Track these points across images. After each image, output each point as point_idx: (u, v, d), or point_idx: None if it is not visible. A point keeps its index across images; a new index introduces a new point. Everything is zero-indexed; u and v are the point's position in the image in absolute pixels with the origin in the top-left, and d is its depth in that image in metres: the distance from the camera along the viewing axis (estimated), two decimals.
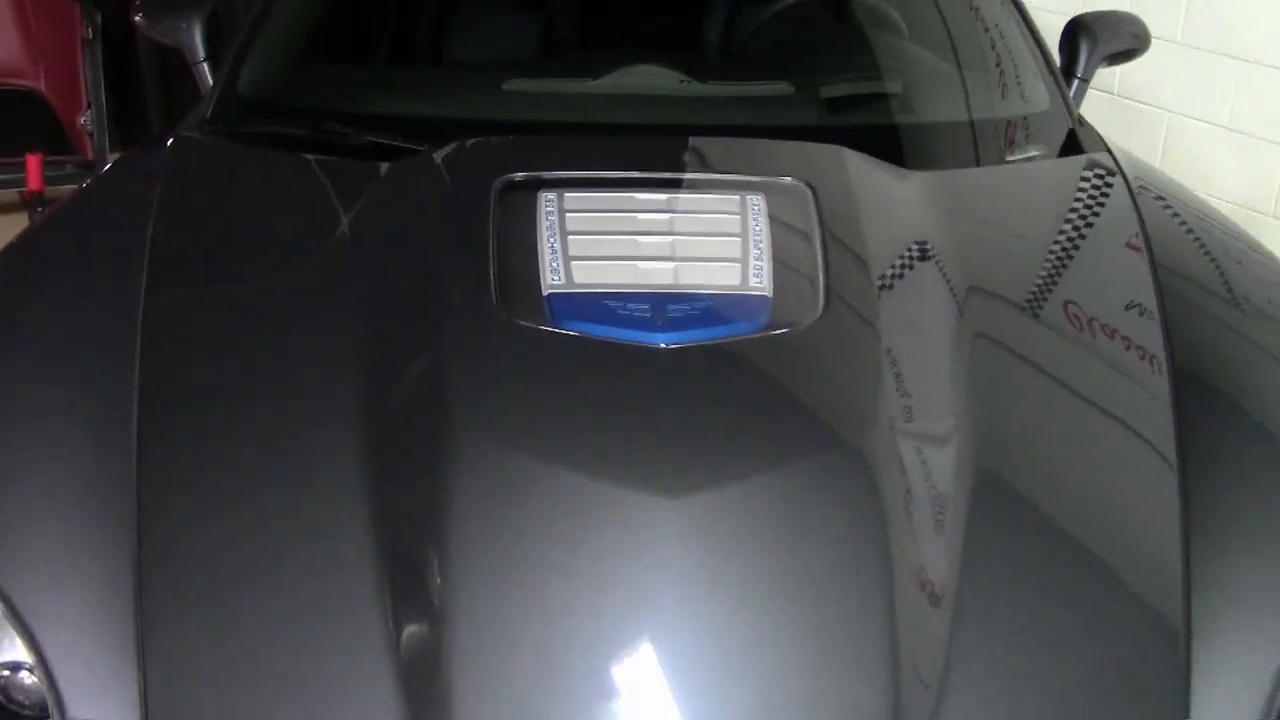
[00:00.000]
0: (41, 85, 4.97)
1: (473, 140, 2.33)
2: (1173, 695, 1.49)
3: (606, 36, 3.06)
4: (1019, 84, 2.93)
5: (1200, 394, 1.87)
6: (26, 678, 1.48)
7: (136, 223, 2.15)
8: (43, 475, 1.68)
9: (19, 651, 1.48)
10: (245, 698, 1.44)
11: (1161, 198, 2.51)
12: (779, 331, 1.90)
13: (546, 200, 2.13)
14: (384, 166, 2.33)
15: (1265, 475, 1.76)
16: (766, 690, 1.44)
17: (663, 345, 1.83)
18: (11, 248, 2.29)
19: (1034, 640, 1.54)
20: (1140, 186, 2.47)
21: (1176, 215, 2.46)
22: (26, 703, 1.48)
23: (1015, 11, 3.09)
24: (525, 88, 2.76)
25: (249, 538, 1.59)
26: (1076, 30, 3.16)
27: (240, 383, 1.84)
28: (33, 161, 4.80)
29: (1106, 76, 5.09)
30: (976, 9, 3.15)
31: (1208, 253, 2.33)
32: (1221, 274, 2.26)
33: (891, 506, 1.61)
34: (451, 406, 1.71)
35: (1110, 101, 5.07)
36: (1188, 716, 1.48)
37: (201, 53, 2.98)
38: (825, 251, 2.03)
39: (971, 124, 2.79)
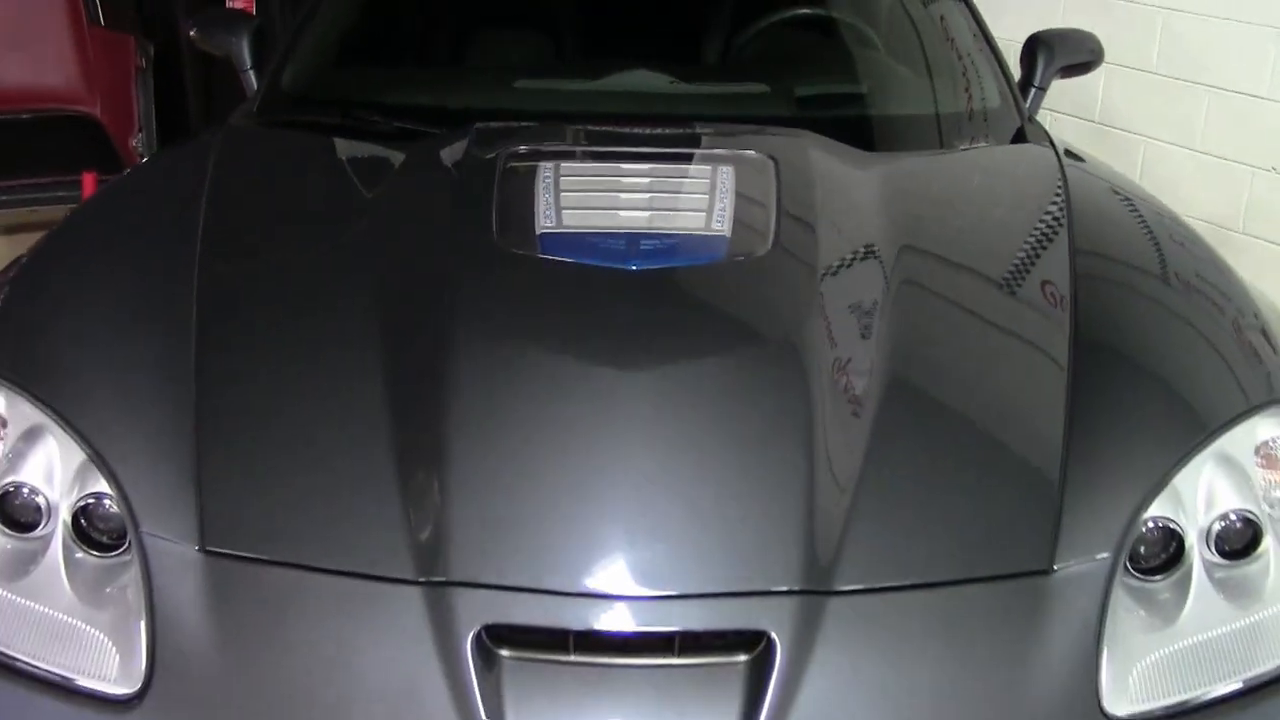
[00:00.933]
0: (98, 111, 5.37)
1: (485, 125, 2.68)
2: (1042, 532, 1.80)
3: (608, 44, 3.43)
4: (973, 87, 3.28)
5: (1100, 336, 2.14)
6: (108, 506, 1.82)
7: (194, 187, 2.50)
8: (120, 350, 2.04)
9: (101, 484, 1.82)
10: (278, 511, 1.78)
11: (1094, 180, 2.83)
12: (731, 260, 2.24)
13: (545, 169, 2.49)
14: (408, 146, 2.69)
15: (1142, 384, 2.06)
16: (701, 501, 1.78)
17: (633, 269, 2.17)
18: (84, 208, 2.67)
19: (930, 487, 1.85)
20: (1076, 171, 2.78)
21: (1104, 194, 2.77)
22: (106, 528, 1.82)
23: (975, 25, 3.45)
24: (534, 85, 3.14)
25: (284, 396, 1.94)
26: (1035, 44, 3.49)
27: (281, 291, 2.21)
28: (88, 179, 5.19)
29: (1088, 104, 5.45)
30: (943, 26, 3.50)
31: (1129, 226, 2.63)
32: (1139, 244, 2.55)
33: (816, 378, 1.94)
34: (454, 306, 2.06)
35: (1092, 129, 5.41)
36: (1055, 547, 1.78)
37: (249, 61, 3.36)
38: (779, 208, 2.37)
39: (927, 118, 3.14)
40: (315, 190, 2.66)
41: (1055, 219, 2.48)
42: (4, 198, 5.24)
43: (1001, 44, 3.48)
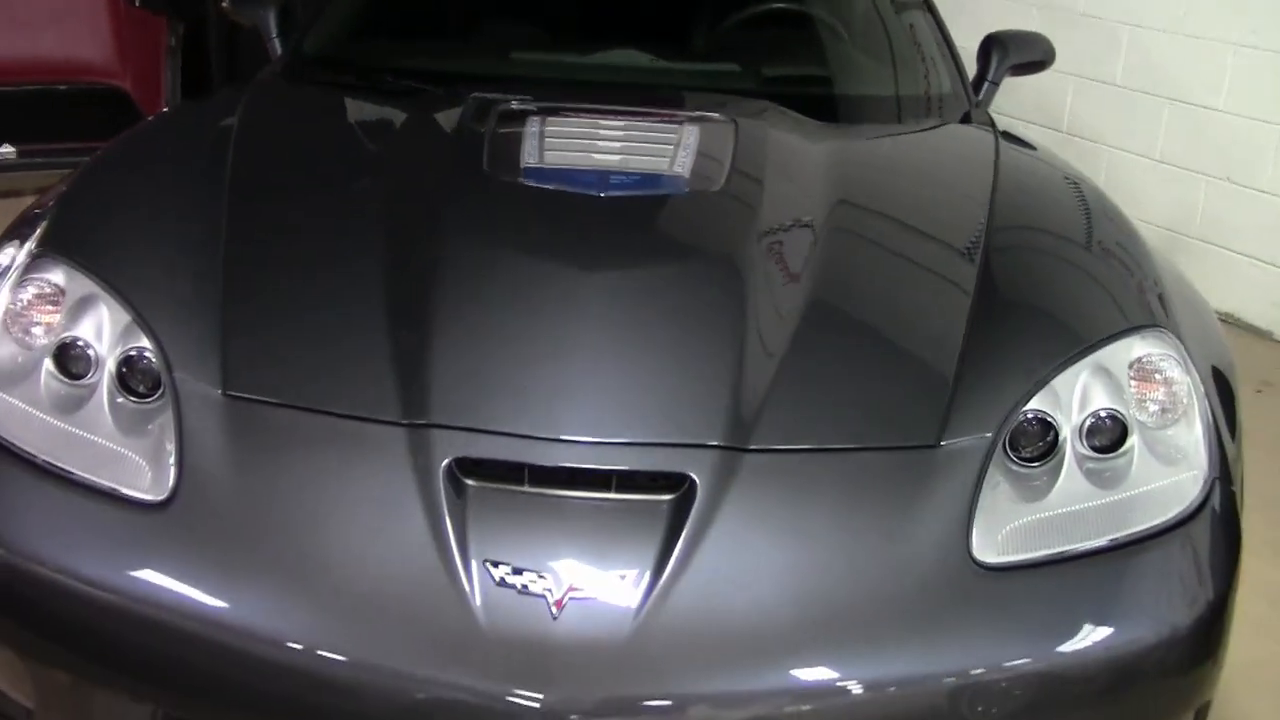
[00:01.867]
0: (128, 84, 5.74)
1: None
2: (934, 414, 2.13)
3: (600, 27, 3.78)
4: (929, 75, 3.64)
5: (1005, 275, 2.45)
6: (147, 359, 2.14)
7: (226, 122, 2.86)
8: (161, 238, 2.40)
9: (142, 340, 2.16)
10: (288, 364, 2.14)
11: (1024, 157, 3.16)
12: (685, 194, 2.60)
13: (533, 120, 2.84)
14: (414, 101, 3.06)
15: (1035, 310, 2.39)
16: (643, 367, 2.14)
17: (601, 195, 2.53)
18: (129, 134, 3.03)
19: (842, 371, 2.20)
20: (1010, 149, 3.12)
21: (1030, 167, 3.11)
22: (143, 379, 2.15)
23: (934, 22, 3.82)
24: (529, 57, 3.50)
25: (296, 276, 2.31)
26: (991, 44, 3.84)
27: (298, 200, 2.59)
28: None
29: (1055, 115, 5.80)
30: (905, 24, 3.86)
31: (1048, 194, 2.94)
32: (1055, 209, 2.84)
33: (751, 282, 2.30)
34: (446, 214, 2.43)
35: (1060, 138, 5.75)
36: (943, 427, 2.12)
37: (274, 30, 3.71)
38: (733, 161, 2.72)
39: (881, 99, 3.50)
40: (331, 130, 3.03)
41: (981, 184, 2.80)
42: (38, 160, 5.59)
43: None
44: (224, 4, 3.94)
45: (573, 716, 1.80)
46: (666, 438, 2.04)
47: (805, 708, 1.86)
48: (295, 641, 1.87)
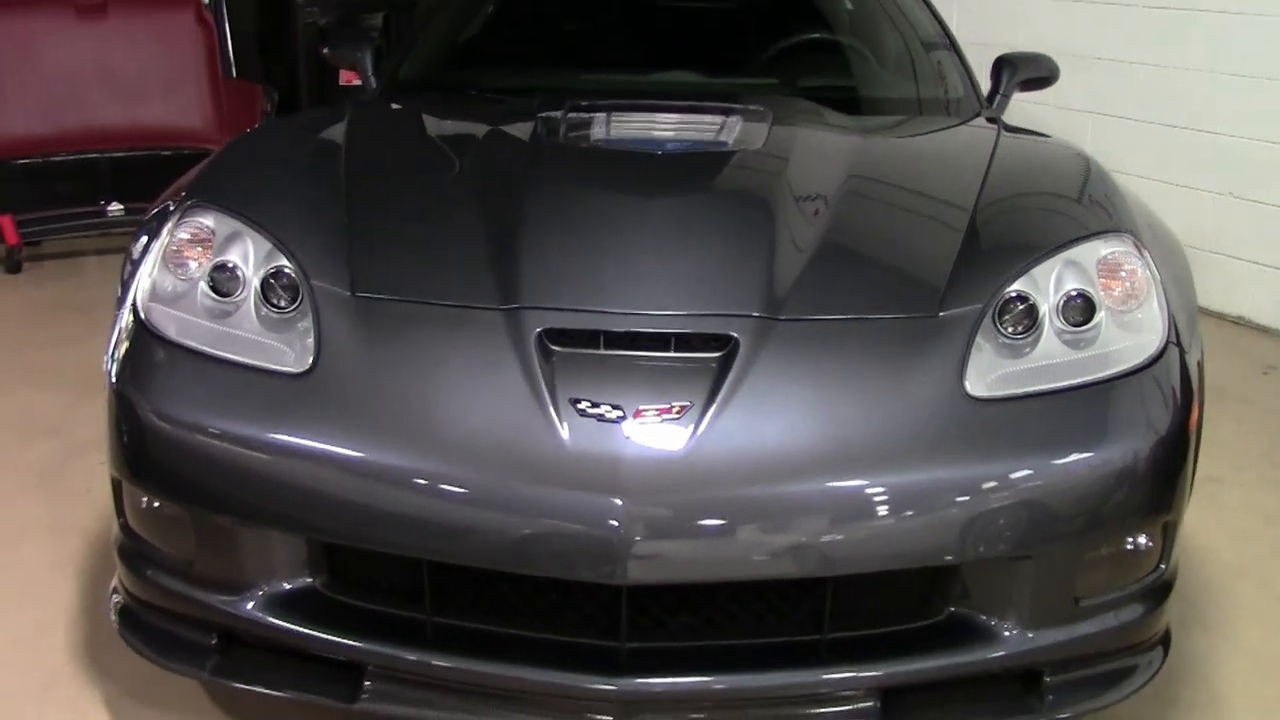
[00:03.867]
0: None
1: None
2: (933, 294, 2.59)
3: (657, 54, 4.33)
4: (945, 88, 4.17)
5: (994, 216, 2.90)
6: (287, 274, 2.62)
7: (338, 120, 3.41)
8: (293, 189, 2.94)
9: (281, 260, 2.65)
10: (404, 270, 2.65)
11: (1024, 141, 3.63)
12: (728, 152, 3.15)
13: (600, 113, 3.39)
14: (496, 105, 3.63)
15: (1019, 228, 2.86)
16: (697, 260, 2.66)
17: (659, 153, 3.08)
18: (263, 124, 3.62)
19: (859, 264, 2.72)
20: (1011, 135, 3.60)
21: (1027, 147, 3.58)
22: (282, 295, 2.61)
23: (948, 40, 4.36)
24: (595, 77, 4.05)
25: (406, 208, 2.89)
26: (1001, 63, 4.37)
27: (404, 164, 3.20)
28: None
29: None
30: (922, 40, 4.40)
31: (1040, 164, 3.37)
32: (1044, 174, 3.26)
33: (782, 207, 2.84)
34: (530, 164, 3.01)
35: None
36: (940, 303, 2.59)
37: (370, 69, 4.28)
38: (769, 133, 3.25)
39: (902, 102, 4.03)
40: (428, 122, 3.59)
41: (980, 158, 3.26)
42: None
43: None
44: (325, 51, 4.50)
45: (640, 513, 2.25)
46: (714, 310, 2.53)
47: (829, 509, 2.30)
48: (420, 472, 2.32)
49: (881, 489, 2.31)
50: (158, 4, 6.42)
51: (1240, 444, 4.23)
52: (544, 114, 3.37)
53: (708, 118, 3.46)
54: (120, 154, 6.26)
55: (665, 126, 3.40)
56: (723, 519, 2.28)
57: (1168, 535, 2.55)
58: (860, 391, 2.43)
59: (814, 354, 2.48)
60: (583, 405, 2.35)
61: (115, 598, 2.67)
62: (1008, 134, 3.56)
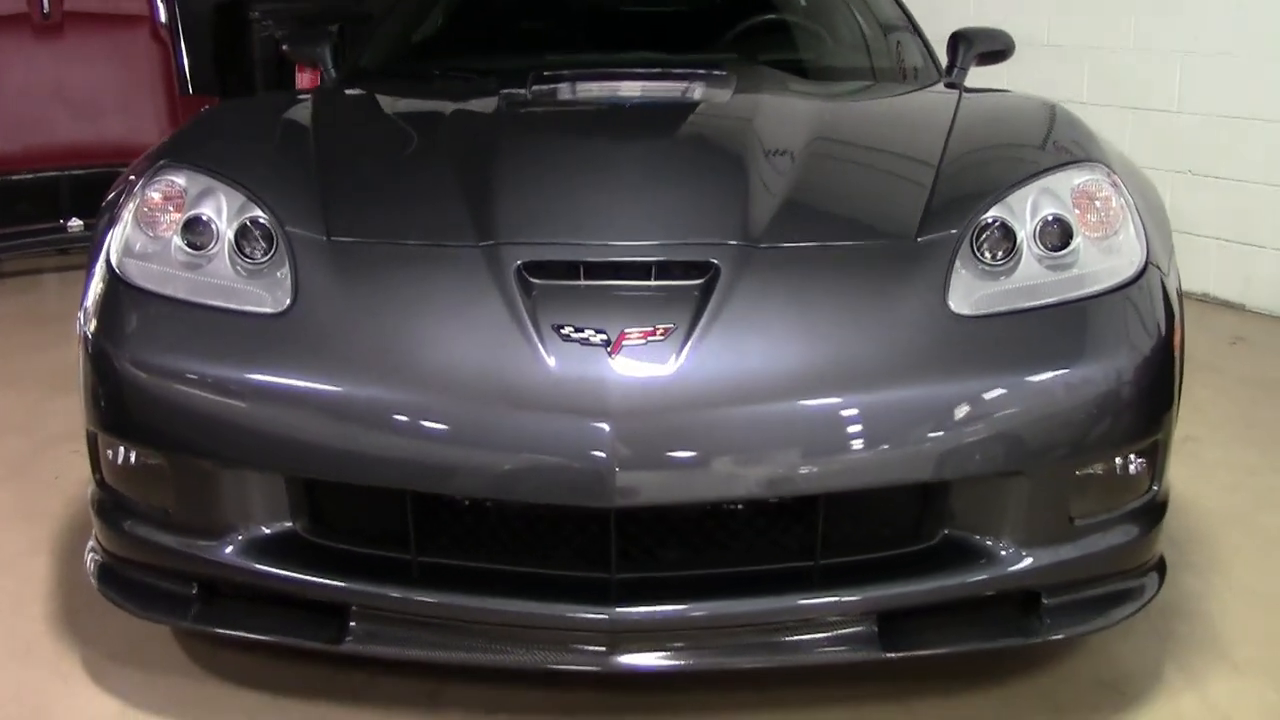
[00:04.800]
0: None
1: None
2: (910, 220, 2.58)
3: (616, 37, 4.33)
4: (901, 58, 4.19)
5: (964, 155, 2.88)
6: (261, 221, 2.57)
7: (299, 107, 3.37)
8: (261, 147, 2.96)
9: (254, 211, 2.59)
10: (381, 214, 2.64)
11: (989, 94, 3.65)
12: (695, 103, 3.18)
13: (565, 82, 3.37)
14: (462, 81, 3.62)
15: (991, 163, 2.86)
16: (674, 195, 2.65)
17: (627, 106, 3.06)
18: (212, 108, 3.57)
19: (834, 199, 2.73)
20: (974, 93, 3.61)
21: (989, 100, 3.58)
22: (258, 245, 2.57)
23: (905, 19, 4.39)
24: (558, 58, 4.03)
25: (378, 157, 2.89)
26: (957, 38, 4.38)
27: (371, 124, 3.21)
28: None
29: None
30: (881, 22, 4.42)
31: (1004, 115, 3.36)
32: (1010, 123, 3.25)
33: (753, 149, 2.83)
34: (500, 116, 3.00)
35: None
36: (918, 228, 2.57)
37: (330, 64, 4.25)
38: (734, 95, 3.25)
39: (859, 69, 4.06)
40: (394, 94, 3.58)
41: (944, 112, 3.24)
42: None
43: None
44: (284, 48, 4.47)
45: (628, 435, 2.22)
46: (693, 239, 2.51)
47: (817, 426, 2.28)
48: (404, 403, 2.29)
49: (869, 405, 2.30)
50: (113, 22, 6.39)
51: (1215, 408, 4.26)
52: (509, 88, 3.35)
53: (672, 83, 3.45)
54: (79, 171, 6.20)
55: (631, 90, 3.39)
56: (711, 438, 2.25)
57: (1158, 455, 2.54)
58: (844, 311, 2.42)
59: (795, 278, 2.47)
60: (566, 330, 2.32)
61: (92, 556, 2.62)
62: (969, 93, 3.57)
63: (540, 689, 2.54)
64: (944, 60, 4.29)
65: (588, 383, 2.26)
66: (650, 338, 2.31)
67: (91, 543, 2.64)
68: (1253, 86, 5.48)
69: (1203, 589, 3.00)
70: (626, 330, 2.31)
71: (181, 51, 6.51)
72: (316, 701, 2.52)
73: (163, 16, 6.48)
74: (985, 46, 4.36)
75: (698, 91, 3.28)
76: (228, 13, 7.31)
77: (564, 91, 3.32)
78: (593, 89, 3.39)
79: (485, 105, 3.23)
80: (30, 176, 6.25)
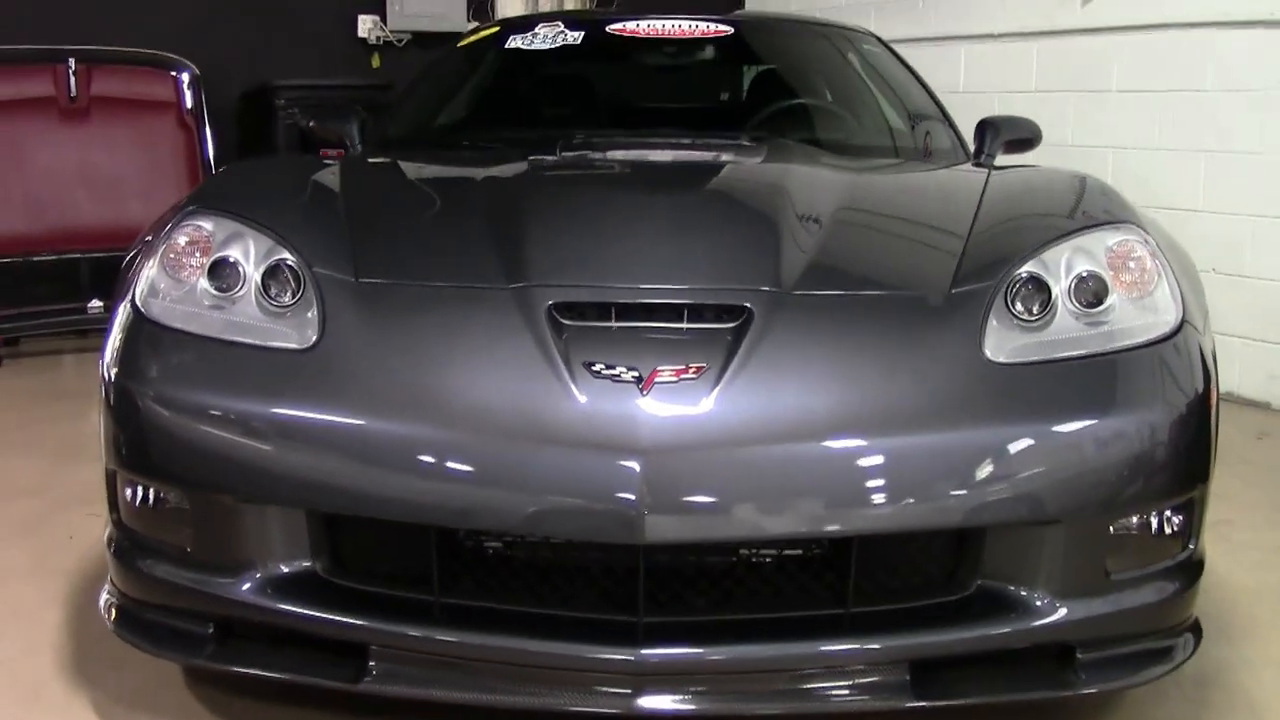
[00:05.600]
0: None
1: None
2: (944, 277, 2.56)
3: (642, 119, 4.35)
4: (931, 141, 4.19)
5: (993, 221, 2.86)
6: (287, 265, 2.53)
7: (327, 169, 3.35)
8: (288, 198, 2.93)
9: (282, 253, 2.56)
10: (409, 258, 2.62)
11: (1021, 168, 3.64)
12: (726, 163, 3.20)
13: (594, 150, 3.39)
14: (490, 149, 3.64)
15: (1022, 230, 2.82)
16: (708, 241, 2.66)
17: (659, 165, 3.08)
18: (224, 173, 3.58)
19: (869, 253, 2.72)
20: (997, 174, 3.60)
21: (1027, 172, 3.58)
22: (285, 287, 2.53)
23: (934, 104, 4.40)
24: (585, 132, 4.05)
25: (406, 212, 2.91)
26: (985, 126, 4.39)
27: (399, 184, 3.21)
28: None
29: None
30: (910, 113, 4.43)
31: (1035, 189, 3.36)
32: (1042, 197, 3.26)
33: (785, 209, 2.82)
34: (529, 171, 3.05)
35: None
36: (951, 284, 2.55)
37: (357, 139, 4.27)
38: (765, 162, 3.28)
39: (885, 148, 4.07)
40: (423, 158, 3.58)
41: (974, 187, 3.18)
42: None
43: None
44: (310, 124, 4.49)
45: (658, 471, 2.18)
46: (726, 284, 2.49)
47: (849, 467, 2.24)
48: (432, 437, 2.25)
49: (903, 447, 2.26)
50: (140, 107, 6.45)
51: (1245, 495, 4.21)
52: (537, 155, 3.35)
53: (702, 151, 3.46)
54: (100, 254, 6.21)
55: (661, 156, 3.41)
56: (743, 477, 2.21)
57: (1194, 513, 2.49)
58: (878, 356, 2.39)
59: (829, 323, 2.45)
60: (597, 368, 2.30)
61: (107, 598, 2.57)
62: (999, 170, 3.56)
63: None
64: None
65: (619, 419, 2.23)
66: (683, 375, 2.28)
67: (107, 586, 2.58)
68: (1276, 184, 5.48)
69: (1236, 660, 2.93)
70: (659, 368, 2.28)
71: (206, 137, 6.55)
72: None
73: (189, 103, 6.53)
74: (1012, 134, 4.35)
75: (728, 156, 3.29)
76: (253, 99, 7.38)
77: (594, 156, 3.33)
78: (621, 155, 3.40)
79: (514, 168, 3.23)
80: (52, 258, 6.27)
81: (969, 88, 6.80)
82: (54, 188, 6.27)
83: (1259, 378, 5.59)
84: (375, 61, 8.08)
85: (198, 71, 6.59)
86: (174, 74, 6.54)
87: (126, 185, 6.37)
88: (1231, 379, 5.63)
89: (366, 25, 7.99)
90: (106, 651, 2.77)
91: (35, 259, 6.23)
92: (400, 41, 8.07)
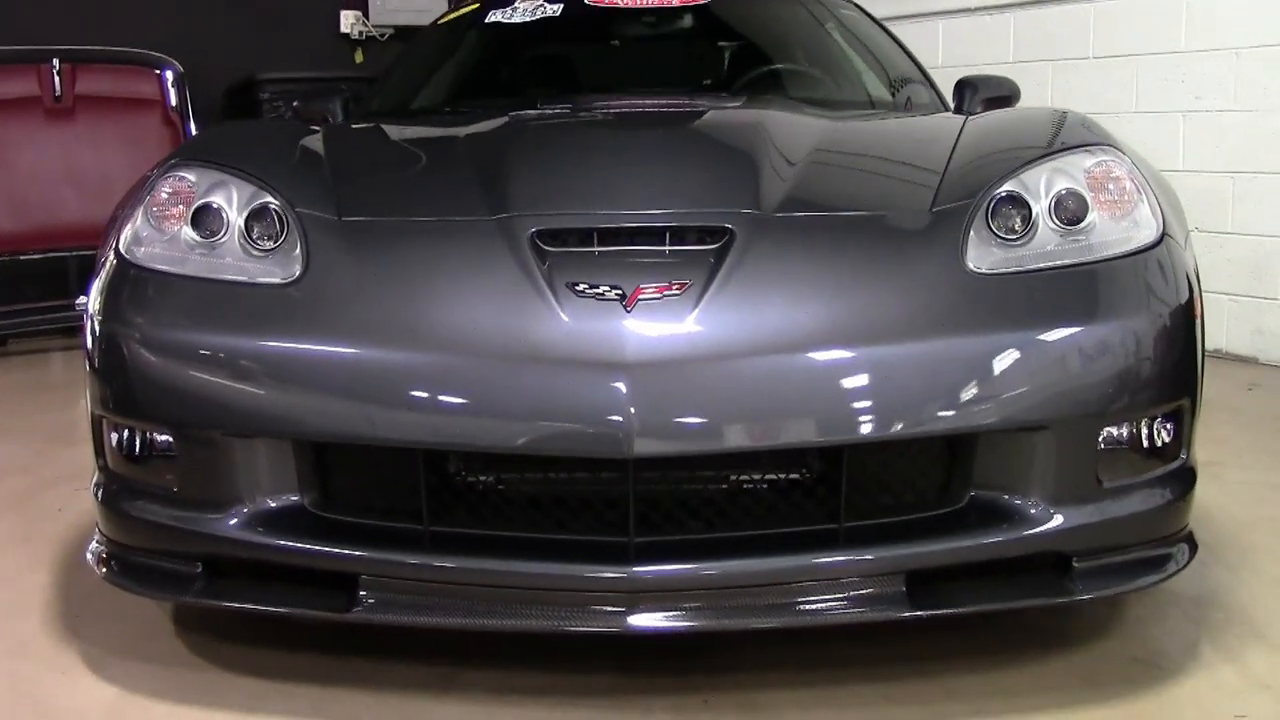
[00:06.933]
0: None
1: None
2: (926, 196, 2.56)
3: (621, 81, 4.37)
4: (910, 98, 4.20)
5: (974, 146, 2.86)
6: (271, 209, 2.53)
7: (310, 133, 3.35)
8: (271, 147, 2.96)
9: (265, 198, 2.55)
10: (392, 195, 2.65)
11: (993, 114, 3.65)
12: (705, 108, 3.23)
13: (574, 102, 3.40)
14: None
15: (997, 154, 2.82)
16: (690, 168, 2.70)
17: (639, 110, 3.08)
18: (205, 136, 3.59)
19: (849, 178, 2.73)
20: (975, 117, 3.60)
21: (1007, 110, 3.61)
22: (268, 230, 2.52)
23: (911, 62, 4.41)
24: (559, 100, 4.06)
25: (388, 157, 2.95)
26: (964, 85, 4.38)
27: (379, 140, 3.19)
28: None
29: None
30: (890, 74, 4.43)
31: (1012, 125, 3.35)
32: (1022, 130, 3.25)
33: (764, 140, 2.83)
34: (511, 123, 3.03)
35: None
36: (933, 202, 2.55)
37: (340, 117, 4.27)
38: (743, 107, 3.28)
39: (861, 101, 4.09)
40: (403, 120, 3.61)
41: (949, 129, 3.18)
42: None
43: None
44: (294, 104, 4.49)
45: (645, 385, 2.17)
46: (708, 207, 2.49)
47: (834, 376, 2.24)
48: (420, 360, 2.26)
49: (888, 356, 2.27)
50: (125, 105, 6.46)
51: (1237, 440, 4.22)
52: (518, 107, 3.36)
53: (683, 102, 3.47)
54: (87, 252, 6.17)
55: (641, 106, 3.42)
56: (729, 389, 2.21)
57: (1183, 422, 2.49)
58: (861, 269, 2.40)
59: (811, 241, 2.45)
60: (581, 288, 2.30)
61: (95, 547, 2.56)
62: (977, 115, 3.56)
63: (555, 673, 2.45)
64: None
65: (604, 336, 2.23)
66: (666, 292, 2.28)
67: (95, 535, 2.58)
68: (1256, 141, 5.50)
69: (1233, 582, 2.93)
70: (642, 286, 2.28)
71: (191, 133, 6.54)
72: (326, 686, 2.43)
73: (173, 100, 6.53)
74: (990, 92, 4.33)
75: (708, 103, 3.29)
76: (237, 94, 7.39)
77: (575, 107, 3.34)
78: (603, 105, 3.40)
79: (496, 122, 3.22)
80: (39, 257, 6.27)
81: (948, 62, 6.82)
82: (40, 187, 6.27)
83: (1245, 333, 5.60)
84: (358, 57, 8.11)
85: (182, 69, 6.60)
86: (158, 72, 6.56)
87: (112, 183, 6.29)
88: (1219, 336, 5.64)
89: (349, 20, 8.01)
90: (95, 608, 2.78)
91: (22, 258, 6.23)
92: (383, 36, 8.09)
